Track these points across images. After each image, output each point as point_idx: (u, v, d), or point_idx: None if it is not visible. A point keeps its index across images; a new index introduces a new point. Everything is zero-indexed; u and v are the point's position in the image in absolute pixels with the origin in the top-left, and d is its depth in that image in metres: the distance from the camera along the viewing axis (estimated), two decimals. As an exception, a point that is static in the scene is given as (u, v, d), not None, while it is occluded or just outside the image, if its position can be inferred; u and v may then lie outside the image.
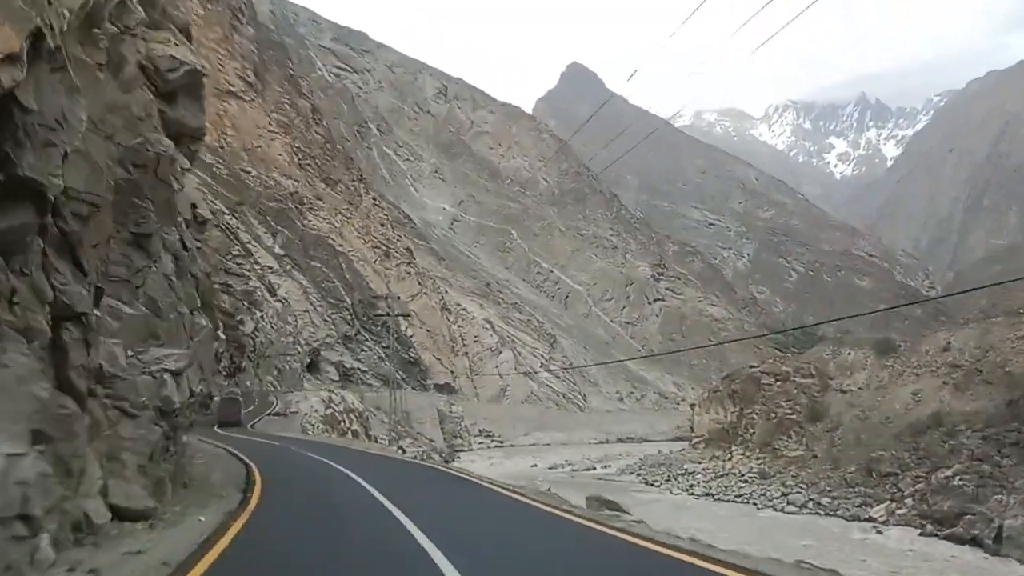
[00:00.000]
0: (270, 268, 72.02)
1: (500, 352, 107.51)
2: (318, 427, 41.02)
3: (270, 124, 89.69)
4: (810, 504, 32.84)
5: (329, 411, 44.82)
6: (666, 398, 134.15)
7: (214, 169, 70.27)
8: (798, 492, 34.23)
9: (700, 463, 51.38)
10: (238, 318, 48.76)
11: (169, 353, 10.58)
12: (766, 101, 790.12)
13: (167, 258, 12.00)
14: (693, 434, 62.00)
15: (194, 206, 15.15)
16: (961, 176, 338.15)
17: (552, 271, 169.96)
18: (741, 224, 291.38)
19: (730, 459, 48.74)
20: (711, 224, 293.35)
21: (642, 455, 65.14)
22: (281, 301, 65.99)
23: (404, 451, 42.16)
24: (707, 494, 40.65)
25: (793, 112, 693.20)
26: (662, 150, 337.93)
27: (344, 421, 46.07)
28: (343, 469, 19.00)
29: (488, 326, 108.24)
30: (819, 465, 38.07)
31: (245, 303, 52.99)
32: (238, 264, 56.99)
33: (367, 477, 16.34)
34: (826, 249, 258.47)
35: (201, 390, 13.84)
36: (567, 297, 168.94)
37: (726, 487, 40.89)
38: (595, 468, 59.65)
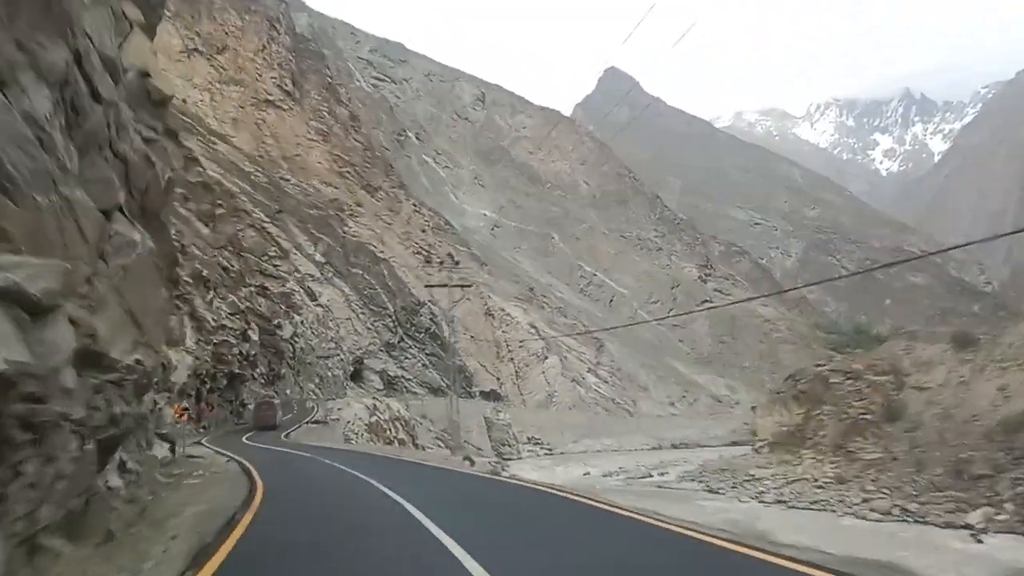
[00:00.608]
0: (311, 276, 71.11)
1: (546, 357, 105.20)
2: (362, 435, 39.15)
3: (309, 132, 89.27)
4: (895, 510, 29.92)
5: (374, 419, 42.84)
6: (719, 402, 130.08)
7: (253, 177, 69.75)
8: (881, 497, 31.21)
9: (767, 468, 49.09)
10: (275, 322, 47.39)
11: (20, 263, 5.04)
12: (807, 100, 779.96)
13: (38, 88, 5.85)
14: (755, 438, 59.73)
15: (146, 74, 9.37)
16: (1013, 169, 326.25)
17: (596, 274, 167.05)
18: (788, 223, 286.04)
19: (800, 463, 46.24)
20: (756, 224, 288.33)
21: (700, 461, 62.69)
22: (322, 307, 64.79)
23: (472, 462, 39.12)
24: (779, 501, 38.27)
25: (836, 110, 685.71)
26: (703, 151, 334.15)
27: (390, 429, 44.14)
28: (398, 498, 11.74)
29: (533, 331, 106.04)
30: (901, 468, 35.05)
31: (283, 307, 51.63)
32: (275, 266, 55.75)
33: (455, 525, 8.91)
34: (876, 246, 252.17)
35: (137, 363, 7.58)
36: (612, 300, 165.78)
37: (799, 493, 38.38)
38: (651, 475, 57.50)
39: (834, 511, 34.33)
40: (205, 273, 35.14)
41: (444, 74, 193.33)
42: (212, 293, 36.62)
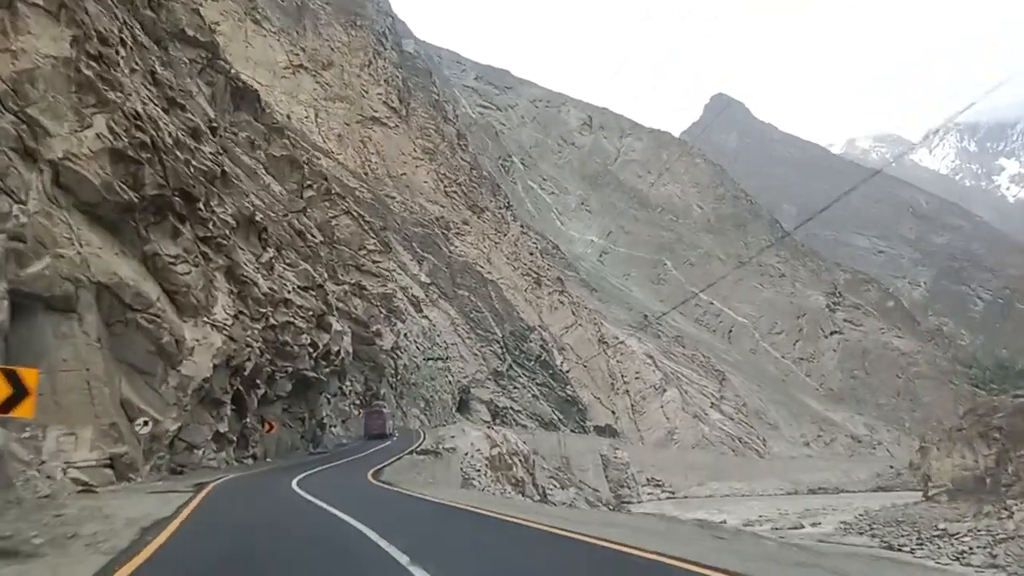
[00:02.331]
0: (417, 298, 66.25)
1: (664, 390, 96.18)
2: (485, 473, 30.93)
3: (415, 150, 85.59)
4: None
5: (495, 451, 34.92)
6: (859, 442, 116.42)
7: (357, 193, 65.85)
8: None
9: (960, 522, 39.85)
10: (374, 328, 41.17)
11: None
12: (925, 124, 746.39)
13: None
14: (931, 484, 50.58)
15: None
16: None
17: (712, 303, 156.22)
18: (914, 250, 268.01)
19: (1010, 516, 36.73)
20: (880, 252, 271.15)
21: (860, 510, 53.51)
22: (428, 319, 59.21)
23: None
24: (993, 566, 29.67)
25: (956, 134, 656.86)
26: (819, 176, 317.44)
27: (514, 466, 36.17)
28: None
29: (650, 361, 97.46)
30: None
31: (382, 310, 45.41)
32: (374, 262, 49.94)
33: None
34: (1014, 274, 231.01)
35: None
36: (730, 331, 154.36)
37: (1019, 556, 29.50)
38: (802, 526, 49.18)
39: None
40: (260, 220, 26.46)
41: (550, 99, 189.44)
42: (273, 252, 27.33)
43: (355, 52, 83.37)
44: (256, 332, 22.66)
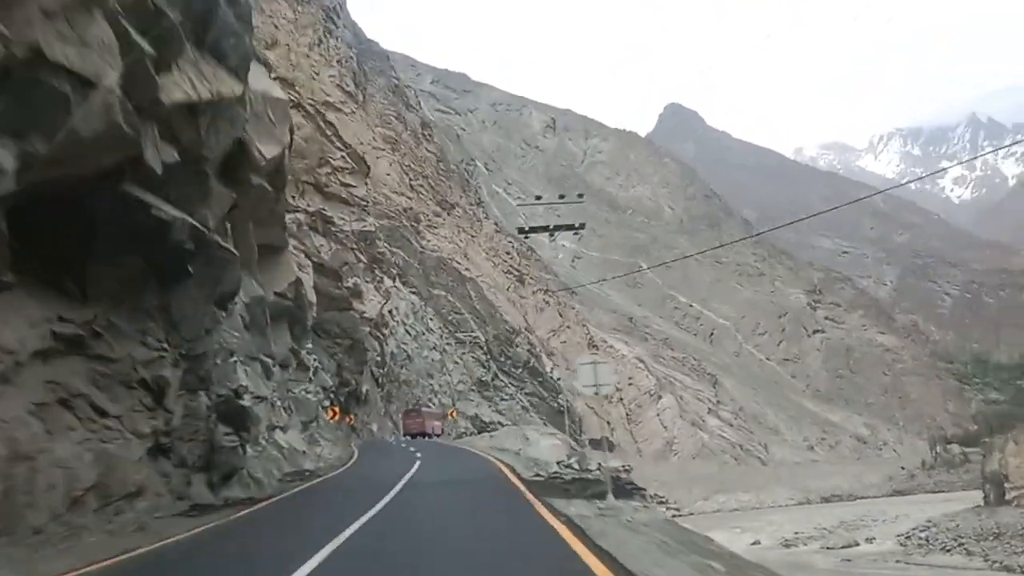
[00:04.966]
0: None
1: (660, 396, 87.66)
2: None
3: (375, 139, 75.91)
4: None
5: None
6: (864, 443, 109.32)
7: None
8: None
9: None
10: (349, 282, 30.86)
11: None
12: (869, 131, 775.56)
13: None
14: (1008, 485, 43.00)
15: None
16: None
17: (692, 305, 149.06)
18: (879, 249, 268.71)
19: None
20: (845, 252, 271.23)
21: (904, 519, 45.36)
22: (401, 323, 49.14)
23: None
24: None
25: (900, 140, 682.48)
26: (777, 182, 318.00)
27: None
28: None
29: (642, 366, 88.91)
30: None
31: (362, 257, 34.78)
32: (345, 184, 38.99)
33: None
34: (978, 269, 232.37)
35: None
36: (712, 333, 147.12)
37: None
38: (856, 543, 40.47)
39: None
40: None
41: (511, 103, 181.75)
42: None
43: (303, 30, 73.40)
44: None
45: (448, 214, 79.37)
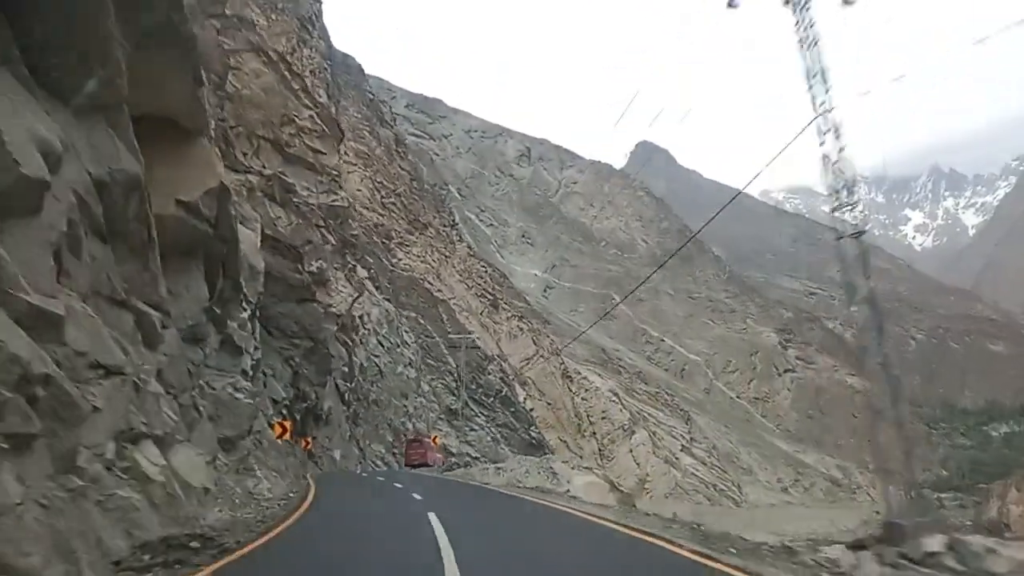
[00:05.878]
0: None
1: (633, 432, 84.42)
2: None
3: (347, 153, 72.48)
4: None
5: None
6: (838, 485, 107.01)
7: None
8: None
9: None
10: (313, 265, 25.43)
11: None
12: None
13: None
14: (1010, 535, 39.61)
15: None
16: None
17: (663, 339, 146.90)
18: (845, 292, 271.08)
19: None
20: (812, 293, 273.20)
21: None
22: (374, 332, 45.20)
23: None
24: None
25: (864, 187, 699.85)
26: (745, 221, 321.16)
27: None
28: None
29: (615, 399, 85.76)
30: None
31: (331, 238, 29.91)
32: (312, 148, 34.46)
33: None
34: (944, 314, 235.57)
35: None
36: (683, 369, 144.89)
37: None
38: None
39: None
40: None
41: (486, 130, 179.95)
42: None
43: (276, 38, 70.03)
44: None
45: (421, 233, 76.01)
